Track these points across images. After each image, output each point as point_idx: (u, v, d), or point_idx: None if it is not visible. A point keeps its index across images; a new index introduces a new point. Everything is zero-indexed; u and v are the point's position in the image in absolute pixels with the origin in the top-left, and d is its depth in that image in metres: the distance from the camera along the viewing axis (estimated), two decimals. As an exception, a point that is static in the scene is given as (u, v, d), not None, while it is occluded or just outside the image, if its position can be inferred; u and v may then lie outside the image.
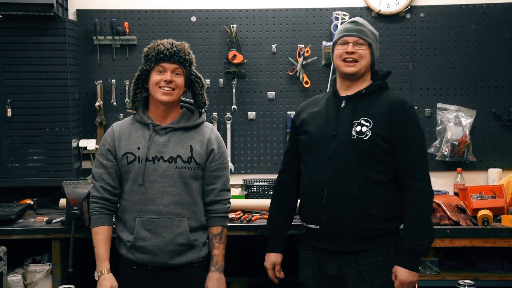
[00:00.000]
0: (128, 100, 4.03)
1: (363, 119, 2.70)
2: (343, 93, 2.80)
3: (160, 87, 2.74)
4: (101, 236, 2.79)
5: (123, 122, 2.90)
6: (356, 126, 2.69)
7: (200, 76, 2.88)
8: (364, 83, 2.80)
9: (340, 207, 2.67)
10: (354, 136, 2.68)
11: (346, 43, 2.76)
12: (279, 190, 3.01)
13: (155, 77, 2.75)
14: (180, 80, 2.78)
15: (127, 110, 2.86)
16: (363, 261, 2.69)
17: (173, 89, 2.76)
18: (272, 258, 2.96)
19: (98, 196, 2.82)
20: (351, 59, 2.73)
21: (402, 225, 2.73)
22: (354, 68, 2.74)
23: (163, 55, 2.74)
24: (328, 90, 2.95)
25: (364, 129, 2.68)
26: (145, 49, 2.82)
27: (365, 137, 2.67)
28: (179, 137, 2.81)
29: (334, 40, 2.83)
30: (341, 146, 2.70)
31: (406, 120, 2.71)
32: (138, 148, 2.77)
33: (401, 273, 2.66)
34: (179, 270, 2.81)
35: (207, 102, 2.93)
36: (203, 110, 2.94)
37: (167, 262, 2.77)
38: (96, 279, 2.77)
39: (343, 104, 2.77)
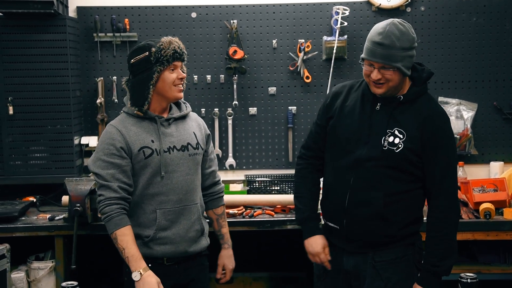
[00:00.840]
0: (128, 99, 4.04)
1: (397, 130, 2.57)
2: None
3: (175, 85, 2.78)
4: (129, 236, 2.70)
5: (120, 120, 2.84)
6: (389, 137, 2.57)
7: (185, 68, 2.92)
8: (402, 86, 2.60)
9: (361, 213, 2.60)
10: (385, 147, 2.57)
11: (372, 65, 2.54)
12: (307, 171, 2.84)
13: (171, 75, 2.76)
14: (185, 76, 2.85)
15: (136, 112, 2.79)
16: (379, 258, 2.63)
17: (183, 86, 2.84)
18: (320, 240, 2.75)
19: (117, 196, 2.71)
20: (378, 86, 2.56)
21: (424, 239, 2.64)
22: (382, 90, 2.56)
23: (178, 54, 2.77)
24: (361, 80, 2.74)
25: (396, 140, 2.56)
26: (154, 49, 2.72)
27: (396, 149, 2.56)
28: (182, 126, 2.86)
29: (362, 54, 2.59)
30: (370, 154, 2.59)
31: (440, 135, 2.57)
32: (152, 141, 2.78)
33: None
34: (192, 260, 2.85)
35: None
36: (184, 100, 2.97)
37: (187, 250, 2.81)
38: (137, 279, 2.66)
39: (378, 107, 2.62)
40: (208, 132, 2.99)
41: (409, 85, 2.62)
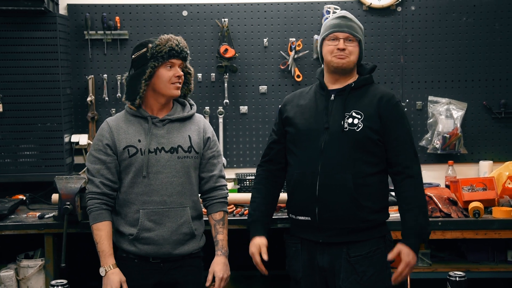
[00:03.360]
0: (120, 95, 4.04)
1: (354, 112, 2.73)
2: (331, 86, 2.81)
3: (172, 83, 2.79)
4: (103, 232, 2.78)
5: (116, 117, 2.91)
6: (348, 119, 2.72)
7: (190, 67, 2.95)
8: (352, 77, 2.82)
9: (333, 198, 2.69)
10: (346, 128, 2.70)
11: (337, 39, 2.76)
12: (263, 177, 2.97)
13: (166, 73, 2.78)
14: (182, 74, 2.85)
15: (129, 106, 2.84)
16: (354, 252, 2.71)
17: (181, 84, 2.84)
18: (257, 241, 2.88)
19: (97, 191, 2.80)
20: (342, 56, 2.74)
21: (402, 210, 2.74)
22: (344, 61, 2.74)
23: (174, 51, 2.78)
24: (314, 84, 2.95)
25: (356, 121, 2.70)
26: (151, 45, 2.78)
27: (357, 129, 2.70)
28: (177, 128, 2.86)
29: (323, 35, 2.82)
30: (333, 138, 2.71)
31: (397, 113, 2.76)
32: (139, 140, 2.80)
33: (408, 255, 2.66)
34: (180, 261, 2.85)
35: (192, 89, 2.98)
36: (192, 102, 2.99)
37: (171, 252, 2.81)
38: (103, 274, 2.76)
39: (332, 97, 2.78)
40: (209, 136, 2.94)
41: (357, 76, 2.84)
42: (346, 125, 2.71)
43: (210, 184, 2.95)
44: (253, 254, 2.88)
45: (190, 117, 2.92)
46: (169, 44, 2.78)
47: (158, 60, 2.77)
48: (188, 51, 2.87)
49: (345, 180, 2.68)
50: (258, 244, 2.87)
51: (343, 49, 2.73)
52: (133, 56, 2.83)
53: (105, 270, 2.75)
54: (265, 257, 2.85)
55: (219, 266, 2.88)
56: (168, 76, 2.78)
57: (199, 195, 2.98)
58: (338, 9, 4.04)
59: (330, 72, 2.82)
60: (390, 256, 2.69)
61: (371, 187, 2.71)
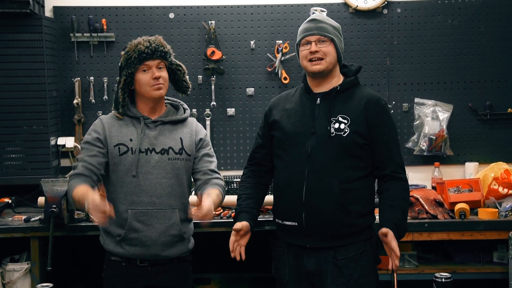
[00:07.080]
0: (106, 97, 4.02)
1: (340, 116, 2.71)
2: (316, 89, 2.79)
3: (151, 86, 2.76)
4: (83, 187, 2.62)
5: (110, 116, 2.88)
6: (334, 123, 2.70)
7: (180, 63, 2.91)
8: (335, 79, 2.79)
9: (320, 203, 2.67)
10: (333, 133, 2.68)
11: (309, 43, 2.73)
12: (249, 176, 2.92)
13: (143, 77, 2.76)
14: (165, 73, 2.82)
15: (115, 114, 2.81)
16: (341, 256, 2.70)
17: (162, 84, 2.79)
18: (238, 225, 2.74)
19: (77, 172, 2.73)
20: (316, 58, 2.72)
21: (383, 206, 2.72)
22: (321, 66, 2.71)
23: (145, 54, 2.75)
24: (299, 86, 2.91)
25: (342, 126, 2.69)
26: (123, 53, 2.79)
27: (343, 134, 2.68)
28: (169, 130, 2.84)
29: (297, 41, 2.81)
30: (320, 143, 2.69)
31: (383, 116, 2.74)
32: (131, 140, 2.78)
33: (388, 231, 2.61)
34: (168, 264, 2.82)
35: (190, 86, 2.96)
36: (186, 106, 2.97)
37: (159, 253, 2.78)
38: (87, 205, 2.50)
39: (318, 101, 2.76)
40: (201, 137, 2.90)
41: (342, 78, 2.81)
42: (332, 130, 2.69)
43: (206, 176, 2.86)
44: (231, 237, 2.76)
45: (183, 120, 2.90)
46: (138, 48, 2.74)
47: (130, 67, 2.76)
48: (167, 49, 2.80)
49: (331, 186, 2.66)
50: (237, 227, 2.74)
51: (316, 51, 2.71)
52: (119, 64, 2.83)
53: (87, 201, 2.51)
54: (237, 226, 2.73)
55: (210, 197, 2.68)
56: (145, 80, 2.76)
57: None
58: (324, 11, 4.05)
59: (311, 77, 2.80)
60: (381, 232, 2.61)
61: (358, 191, 2.70)
